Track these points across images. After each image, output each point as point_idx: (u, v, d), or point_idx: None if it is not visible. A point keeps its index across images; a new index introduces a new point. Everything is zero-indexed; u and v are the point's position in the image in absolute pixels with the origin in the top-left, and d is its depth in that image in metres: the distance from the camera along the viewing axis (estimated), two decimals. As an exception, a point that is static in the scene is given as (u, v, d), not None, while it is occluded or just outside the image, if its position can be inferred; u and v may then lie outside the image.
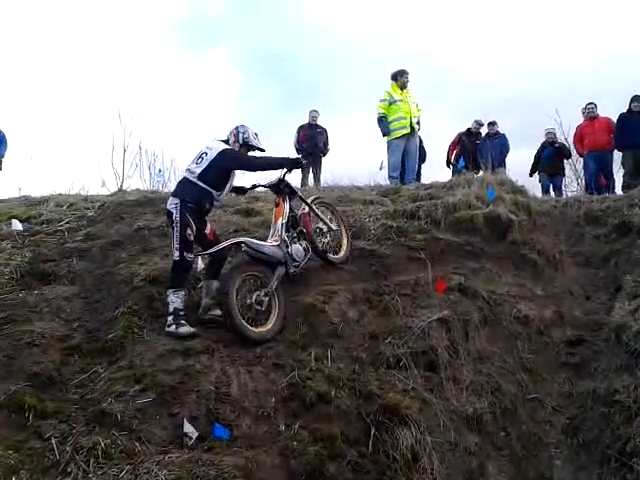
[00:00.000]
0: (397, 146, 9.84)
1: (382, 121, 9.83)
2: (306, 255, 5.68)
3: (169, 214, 5.35)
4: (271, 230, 5.65)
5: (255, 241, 5.38)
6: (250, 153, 5.71)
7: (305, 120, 12.32)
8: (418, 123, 9.97)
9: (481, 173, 9.62)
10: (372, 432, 4.25)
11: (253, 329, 5.02)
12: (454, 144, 12.15)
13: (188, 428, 4.02)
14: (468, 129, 12.16)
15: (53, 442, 3.90)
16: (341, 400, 4.49)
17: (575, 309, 6.19)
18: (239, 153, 5.60)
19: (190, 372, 4.61)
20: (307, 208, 5.89)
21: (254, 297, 5.11)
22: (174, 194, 5.48)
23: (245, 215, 7.66)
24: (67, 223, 7.35)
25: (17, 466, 3.70)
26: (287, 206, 5.68)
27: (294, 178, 11.51)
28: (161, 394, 4.35)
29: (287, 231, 5.62)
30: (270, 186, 5.92)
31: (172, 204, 5.31)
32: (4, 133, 11.34)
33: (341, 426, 4.27)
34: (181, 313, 5.10)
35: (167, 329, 5.06)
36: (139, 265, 6.05)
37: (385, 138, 9.94)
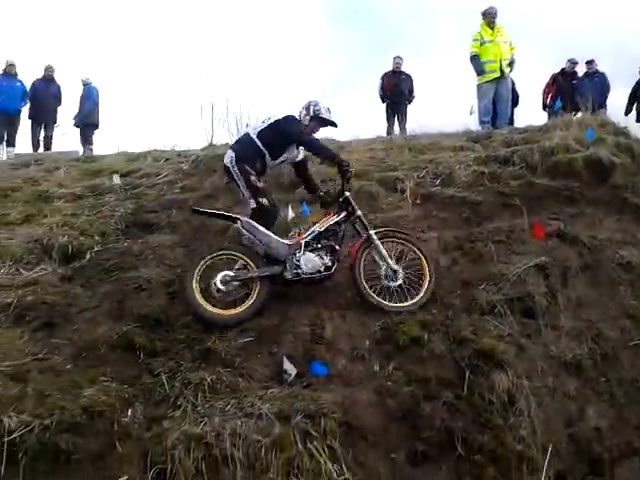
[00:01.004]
0: (487, 89, 9.45)
1: (475, 59, 9.46)
2: (324, 271, 4.92)
3: (226, 170, 5.36)
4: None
5: (255, 225, 5.02)
6: (315, 136, 5.44)
7: (389, 67, 12.03)
8: (511, 64, 9.51)
9: (580, 114, 9.08)
10: (467, 375, 4.24)
11: (213, 309, 4.71)
12: (549, 86, 11.54)
13: (287, 365, 4.19)
14: (562, 69, 11.47)
15: (163, 378, 4.18)
16: (434, 344, 4.50)
17: (683, 255, 5.80)
18: (301, 123, 5.37)
19: (286, 315, 4.79)
20: (366, 237, 5.08)
21: (219, 276, 4.78)
22: (231, 147, 5.48)
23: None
24: (165, 176, 7.68)
25: (132, 399, 4.00)
26: (334, 219, 5.12)
27: (380, 127, 11.39)
28: (260, 334, 4.56)
29: (316, 240, 5.06)
30: (333, 198, 5.50)
31: (228, 158, 5.31)
32: (95, 89, 11.99)
33: (435, 369, 4.30)
34: (264, 260, 5.02)
35: None
36: (232, 217, 6.24)
37: (476, 81, 9.58)
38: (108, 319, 4.76)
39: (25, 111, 11.43)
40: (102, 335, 4.56)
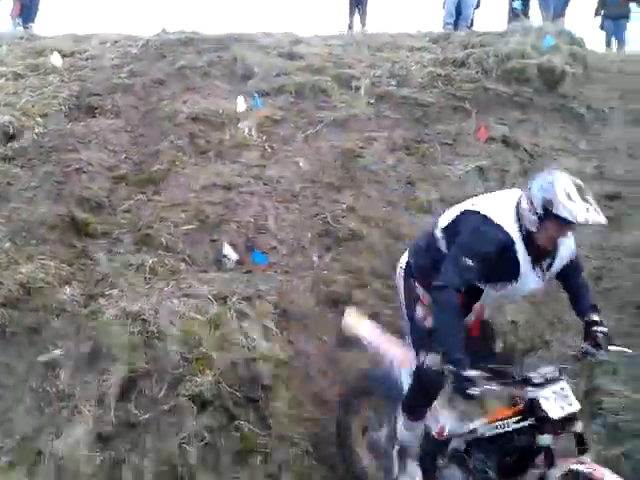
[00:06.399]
0: None
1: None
2: None
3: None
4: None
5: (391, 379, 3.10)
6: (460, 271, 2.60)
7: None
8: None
9: (539, 22, 8.99)
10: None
11: None
12: None
13: (228, 250, 4.33)
14: None
15: (103, 258, 4.27)
16: (372, 238, 4.69)
17: (617, 166, 6.02)
18: (465, 246, 2.62)
19: (230, 205, 4.86)
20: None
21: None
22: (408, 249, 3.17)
23: (289, 58, 7.45)
24: (111, 60, 7.33)
25: (69, 277, 4.10)
26: (515, 422, 2.64)
27: (340, 19, 10.90)
28: (203, 222, 4.63)
29: (471, 446, 2.81)
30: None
31: (401, 263, 3.10)
32: None
33: (369, 260, 4.50)
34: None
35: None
36: (182, 103, 6.08)
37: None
38: (48, 200, 4.74)
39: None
40: (42, 215, 4.56)
